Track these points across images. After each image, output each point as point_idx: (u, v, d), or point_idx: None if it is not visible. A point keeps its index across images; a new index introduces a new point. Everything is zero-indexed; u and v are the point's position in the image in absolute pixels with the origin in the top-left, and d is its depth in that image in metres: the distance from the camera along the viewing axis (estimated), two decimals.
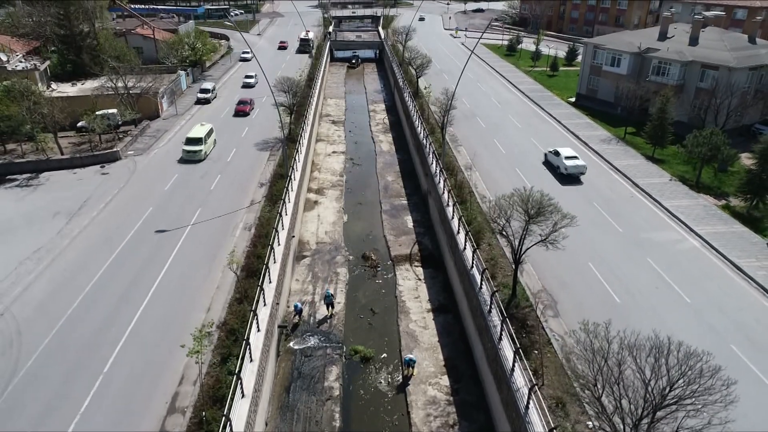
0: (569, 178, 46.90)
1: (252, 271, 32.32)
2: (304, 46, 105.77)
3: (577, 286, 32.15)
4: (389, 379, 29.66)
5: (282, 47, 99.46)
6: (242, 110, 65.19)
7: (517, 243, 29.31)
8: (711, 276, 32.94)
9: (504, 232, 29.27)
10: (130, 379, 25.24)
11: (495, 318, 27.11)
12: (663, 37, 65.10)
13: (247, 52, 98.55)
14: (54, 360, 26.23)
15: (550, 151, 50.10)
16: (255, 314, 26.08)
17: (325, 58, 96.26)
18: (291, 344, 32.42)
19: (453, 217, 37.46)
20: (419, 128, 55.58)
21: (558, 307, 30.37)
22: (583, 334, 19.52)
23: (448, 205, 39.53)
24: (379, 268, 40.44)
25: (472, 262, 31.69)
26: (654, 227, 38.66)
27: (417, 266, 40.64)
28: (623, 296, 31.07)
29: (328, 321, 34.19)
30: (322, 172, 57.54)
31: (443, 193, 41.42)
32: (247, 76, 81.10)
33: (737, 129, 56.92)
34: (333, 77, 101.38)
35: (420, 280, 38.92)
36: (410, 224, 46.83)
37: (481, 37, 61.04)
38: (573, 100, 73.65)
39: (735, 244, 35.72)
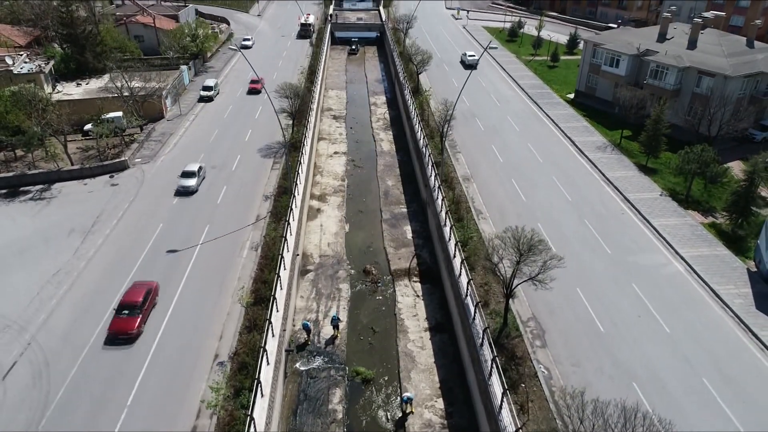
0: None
1: (259, 298, 34.48)
2: (305, 31, 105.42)
3: (565, 313, 34.29)
4: (388, 409, 31.92)
5: (253, 90, 74.36)
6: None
7: (508, 279, 31.29)
8: (691, 304, 35.04)
9: (496, 272, 31.22)
10: (152, 412, 27.64)
11: (486, 352, 29.35)
12: (662, 38, 65.51)
13: (248, 39, 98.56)
14: (81, 392, 28.60)
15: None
16: (264, 350, 28.31)
17: (326, 45, 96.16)
18: (297, 365, 34.83)
19: (450, 239, 39.35)
20: (419, 134, 56.81)
21: (546, 337, 32.61)
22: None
23: (445, 225, 41.37)
24: (379, 284, 42.59)
25: (467, 292, 33.77)
26: (641, 248, 40.59)
27: (415, 281, 42.78)
28: (607, 325, 33.25)
29: (333, 342, 36.42)
30: (324, 176, 59.10)
31: (441, 210, 43.21)
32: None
33: (731, 134, 58.02)
34: (334, 63, 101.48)
35: (418, 296, 41.11)
36: (409, 235, 48.75)
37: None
38: (572, 97, 74.45)
39: (716, 269, 37.72)
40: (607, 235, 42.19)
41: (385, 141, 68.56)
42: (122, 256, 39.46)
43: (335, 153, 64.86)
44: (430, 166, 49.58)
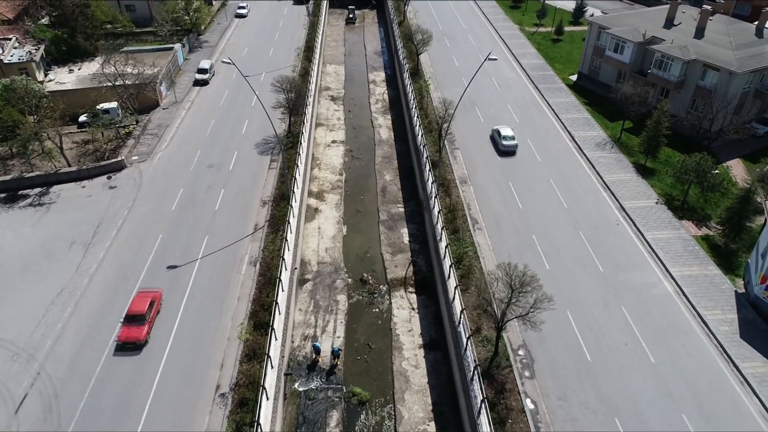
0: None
1: (259, 323, 35.53)
2: None
3: (555, 341, 35.36)
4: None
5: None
6: None
7: (499, 314, 32.17)
8: (678, 330, 36.03)
9: (489, 309, 32.07)
10: None
11: (476, 388, 30.64)
12: (669, 24, 63.56)
13: (243, 7, 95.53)
14: (91, 424, 30.09)
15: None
16: (264, 389, 29.60)
17: (323, 15, 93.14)
18: (296, 386, 36.31)
19: (445, 256, 39.98)
20: (418, 130, 56.31)
21: (534, 367, 33.82)
22: None
23: (441, 240, 41.90)
24: (375, 295, 43.59)
25: (459, 319, 34.74)
26: (633, 265, 41.24)
27: (411, 292, 43.78)
28: (595, 354, 34.40)
29: (333, 370, 37.54)
30: (322, 170, 59.05)
31: (437, 222, 43.63)
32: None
33: (734, 127, 57.24)
34: (332, 31, 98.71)
35: (413, 309, 42.22)
36: (406, 239, 49.36)
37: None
38: (574, 79, 72.97)
39: (705, 292, 38.53)
40: (601, 249, 42.76)
41: (384, 127, 67.90)
42: (124, 272, 40.24)
43: (333, 142, 64.45)
44: (427, 169, 49.54)
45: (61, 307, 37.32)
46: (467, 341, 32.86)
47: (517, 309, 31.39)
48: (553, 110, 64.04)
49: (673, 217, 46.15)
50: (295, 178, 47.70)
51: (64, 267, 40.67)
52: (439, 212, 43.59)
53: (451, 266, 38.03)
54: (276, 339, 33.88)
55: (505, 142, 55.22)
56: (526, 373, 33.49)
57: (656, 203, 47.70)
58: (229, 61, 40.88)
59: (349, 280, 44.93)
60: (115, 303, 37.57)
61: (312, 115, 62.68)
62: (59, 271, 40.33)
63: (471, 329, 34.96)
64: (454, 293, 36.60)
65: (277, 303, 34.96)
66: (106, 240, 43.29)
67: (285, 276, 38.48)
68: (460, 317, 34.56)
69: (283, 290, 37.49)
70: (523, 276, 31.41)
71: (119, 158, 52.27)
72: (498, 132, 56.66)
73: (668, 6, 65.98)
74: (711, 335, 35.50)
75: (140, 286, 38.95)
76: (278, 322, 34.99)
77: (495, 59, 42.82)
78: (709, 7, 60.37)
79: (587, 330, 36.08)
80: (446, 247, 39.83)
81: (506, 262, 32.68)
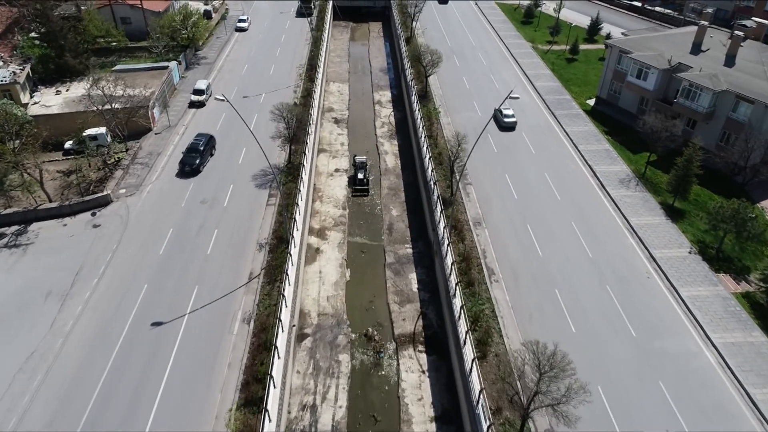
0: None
1: (251, 399, 31.50)
2: (306, 9, 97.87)
3: (585, 424, 31.23)
4: None
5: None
6: None
7: (525, 400, 28.13)
8: (724, 412, 31.88)
9: (515, 399, 28.02)
10: None
11: None
12: (697, 49, 59.58)
13: (244, 20, 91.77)
14: None
15: None
16: None
17: (327, 31, 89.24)
18: None
19: (460, 318, 35.92)
20: (427, 164, 52.29)
21: None
22: None
23: (454, 296, 37.87)
24: (381, 354, 39.53)
25: (478, 399, 30.67)
26: (669, 329, 37.12)
27: (421, 351, 39.71)
28: None
29: None
30: (324, 203, 55.03)
31: (450, 275, 39.60)
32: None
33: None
34: (336, 45, 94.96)
35: (424, 372, 38.14)
36: (414, 285, 45.33)
37: None
38: (592, 103, 69.00)
39: (752, 364, 34.44)
40: (631, 309, 38.64)
41: (390, 154, 63.93)
42: (102, 330, 36.18)
43: (336, 171, 60.44)
44: (438, 210, 45.51)
45: (31, 374, 33.26)
46: (488, 430, 28.77)
47: (545, 396, 27.35)
48: (570, 140, 60.00)
49: (709, 269, 42.07)
50: (295, 220, 43.68)
51: (37, 323, 36.64)
52: (452, 264, 39.51)
53: (467, 333, 33.97)
54: (270, 420, 29.81)
55: (505, 120, 62.11)
56: None
57: (689, 252, 43.63)
58: (223, 98, 36.95)
59: (353, 335, 40.89)
60: (92, 369, 33.51)
61: (314, 145, 58.70)
62: (31, 328, 36.30)
63: (491, 408, 30.92)
64: (471, 366, 32.52)
65: (271, 377, 30.87)
66: (85, 290, 39.27)
67: (281, 340, 34.44)
68: (479, 397, 30.50)
69: (279, 357, 33.44)
70: (553, 357, 27.44)
71: (105, 192, 48.24)
72: (500, 111, 63.53)
73: (694, 29, 62.07)
74: (762, 419, 31.38)
75: (120, 348, 34.92)
76: (272, 400, 30.91)
77: (517, 98, 38.78)
78: (741, 33, 56.36)
79: (622, 411, 31.91)
80: (461, 307, 35.75)
81: (534, 340, 28.58)
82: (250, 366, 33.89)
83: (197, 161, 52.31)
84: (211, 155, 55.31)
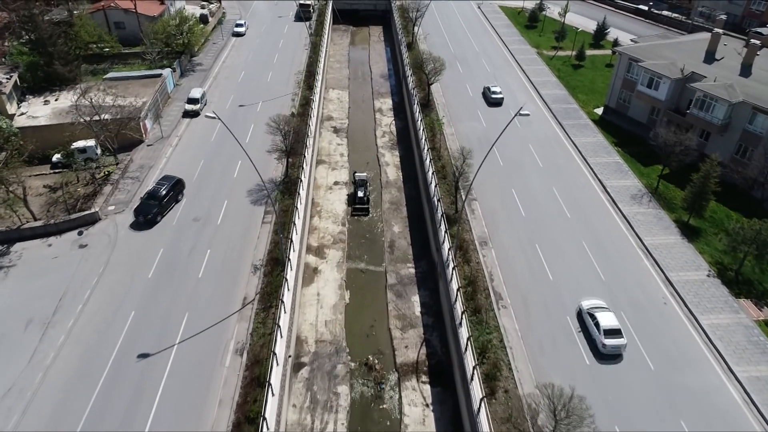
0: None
1: None
2: (305, 12, 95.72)
3: None
4: None
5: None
6: None
7: None
8: None
9: None
10: None
11: None
12: (710, 58, 57.29)
13: (241, 25, 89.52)
14: None
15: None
16: None
17: (326, 35, 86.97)
18: None
19: (466, 350, 33.65)
20: (430, 179, 49.98)
21: None
22: None
23: (460, 324, 35.59)
24: (382, 385, 37.26)
25: None
26: (689, 362, 34.81)
27: (424, 382, 37.44)
28: None
29: None
30: (322, 218, 52.75)
31: (455, 302, 37.32)
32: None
33: None
34: (335, 50, 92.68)
35: (428, 406, 35.86)
36: (417, 309, 43.08)
37: None
38: (600, 112, 66.72)
39: None
40: (649, 339, 36.34)
41: (391, 165, 61.65)
42: (85, 363, 33.90)
43: (335, 183, 58.15)
44: (443, 230, 43.18)
45: (7, 413, 31.02)
46: None
47: None
48: (579, 151, 57.71)
49: (729, 294, 39.79)
50: (291, 240, 41.38)
51: (16, 355, 34.38)
52: (458, 290, 37.21)
53: (474, 367, 31.70)
54: None
55: (493, 96, 67.54)
56: None
57: (707, 275, 41.35)
58: (214, 115, 34.67)
59: (352, 364, 38.62)
60: (73, 409, 31.24)
61: (311, 160, 56.36)
62: (10, 360, 34.03)
63: None
64: (480, 406, 30.25)
65: (264, 418, 28.61)
66: (68, 318, 37.00)
67: (276, 375, 32.16)
68: None
69: (273, 395, 31.19)
70: (570, 402, 25.24)
71: (93, 210, 45.96)
72: (488, 88, 68.93)
73: (707, 37, 59.77)
74: None
75: (104, 384, 32.66)
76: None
77: (527, 114, 36.47)
78: (757, 42, 54.03)
79: None
80: (468, 339, 33.47)
81: (549, 383, 26.33)
82: (242, 404, 31.64)
83: (154, 210, 44.97)
84: (177, 201, 48.08)
